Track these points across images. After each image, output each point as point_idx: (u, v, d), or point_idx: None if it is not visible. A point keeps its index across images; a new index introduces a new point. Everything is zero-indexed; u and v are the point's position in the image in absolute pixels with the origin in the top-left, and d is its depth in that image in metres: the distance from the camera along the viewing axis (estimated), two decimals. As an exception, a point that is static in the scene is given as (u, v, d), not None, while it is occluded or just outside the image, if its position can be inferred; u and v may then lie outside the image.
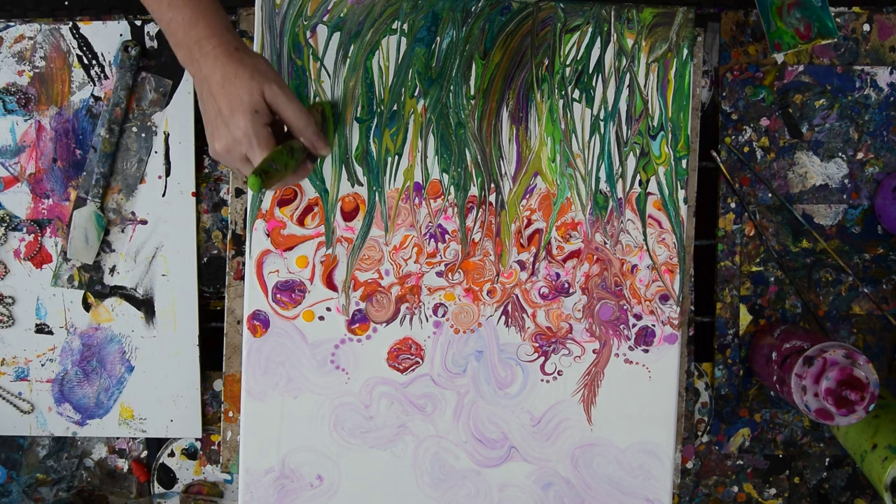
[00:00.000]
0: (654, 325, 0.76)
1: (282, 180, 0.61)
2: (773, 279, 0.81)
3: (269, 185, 0.58)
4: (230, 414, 0.80)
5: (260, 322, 0.75)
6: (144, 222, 0.80)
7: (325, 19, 0.74)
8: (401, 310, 0.76)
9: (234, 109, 0.59)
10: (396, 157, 0.75)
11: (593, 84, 0.75)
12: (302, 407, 0.75)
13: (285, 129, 0.64)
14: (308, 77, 0.74)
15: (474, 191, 0.75)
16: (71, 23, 0.79)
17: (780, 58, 0.80)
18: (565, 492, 0.77)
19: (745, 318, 0.81)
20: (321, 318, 0.75)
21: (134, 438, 0.83)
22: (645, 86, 0.75)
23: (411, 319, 0.76)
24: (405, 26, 0.74)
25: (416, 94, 0.75)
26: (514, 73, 0.75)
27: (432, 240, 0.75)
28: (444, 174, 0.75)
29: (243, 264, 0.78)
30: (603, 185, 0.76)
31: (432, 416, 0.76)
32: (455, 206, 0.75)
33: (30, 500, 0.83)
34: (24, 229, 0.80)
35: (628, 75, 0.75)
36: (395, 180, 0.75)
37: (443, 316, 0.76)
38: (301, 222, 0.75)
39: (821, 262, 0.81)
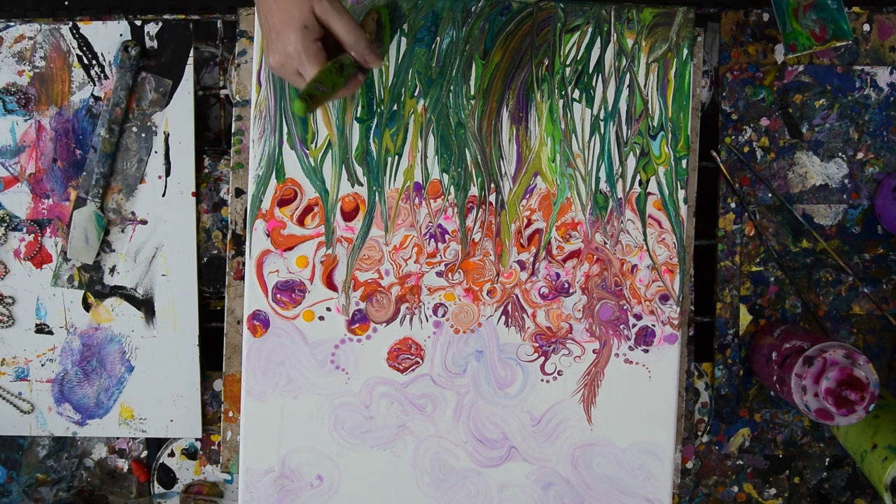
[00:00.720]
0: (654, 325, 0.76)
1: (330, 99, 0.62)
2: (773, 279, 0.81)
3: (315, 107, 0.59)
4: (230, 414, 0.80)
5: (260, 322, 0.75)
6: (144, 222, 0.80)
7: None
8: (401, 310, 0.76)
9: (286, 24, 0.60)
10: (396, 157, 0.75)
11: (593, 84, 0.75)
12: (302, 407, 0.75)
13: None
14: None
15: (474, 191, 0.75)
16: (71, 23, 0.79)
17: (780, 57, 0.80)
18: (565, 492, 0.77)
19: (745, 318, 0.81)
20: (321, 318, 0.75)
21: (134, 438, 0.83)
22: (645, 86, 0.75)
23: (411, 319, 0.76)
24: (405, 26, 0.74)
25: (416, 94, 0.75)
26: (514, 73, 0.75)
27: (432, 240, 0.75)
28: (444, 174, 0.75)
29: (243, 264, 0.78)
30: (603, 185, 0.76)
31: (432, 416, 0.76)
32: (455, 206, 0.75)
33: (30, 500, 0.83)
34: (24, 229, 0.80)
35: (628, 75, 0.75)
36: (395, 180, 0.75)
37: (443, 316, 0.76)
38: (301, 222, 0.75)
39: (821, 262, 0.81)
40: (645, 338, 0.76)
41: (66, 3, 0.86)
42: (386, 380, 0.76)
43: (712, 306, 0.82)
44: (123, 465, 0.83)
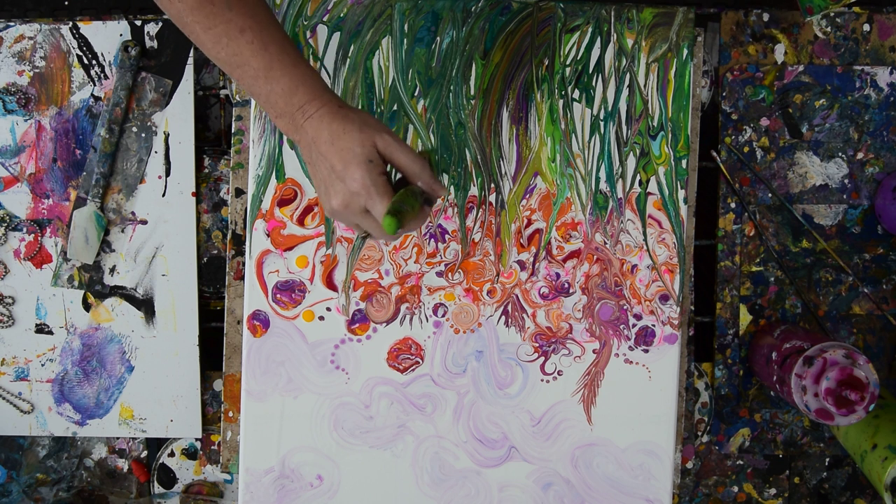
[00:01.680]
0: (654, 325, 0.76)
1: (411, 225, 0.59)
2: (773, 279, 0.81)
3: (403, 224, 0.56)
4: (230, 414, 0.80)
5: (260, 322, 0.75)
6: (144, 222, 0.80)
7: (325, 19, 0.74)
8: (401, 310, 0.76)
9: (348, 163, 0.58)
10: (396, 157, 0.75)
11: (593, 84, 0.75)
12: (302, 407, 0.76)
13: (394, 178, 0.63)
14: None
15: (474, 191, 0.75)
16: (71, 23, 0.79)
17: (780, 57, 0.80)
18: (565, 492, 0.77)
19: (745, 318, 0.81)
20: (321, 318, 0.75)
21: (134, 438, 0.83)
22: (645, 86, 0.75)
23: (411, 319, 0.76)
24: (405, 26, 0.74)
25: (416, 94, 0.75)
26: (514, 73, 0.75)
27: (432, 240, 0.75)
28: (443, 174, 0.75)
29: (243, 264, 0.78)
30: (603, 185, 0.76)
31: (432, 416, 0.76)
32: (455, 206, 0.75)
33: (30, 500, 0.83)
34: (24, 229, 0.80)
35: (628, 75, 0.75)
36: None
37: (443, 316, 0.76)
38: (301, 222, 0.75)
39: (821, 262, 0.81)
40: (645, 338, 0.76)
41: (66, 3, 0.86)
42: (386, 380, 0.76)
43: (712, 306, 0.82)
44: (123, 465, 0.83)
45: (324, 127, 0.58)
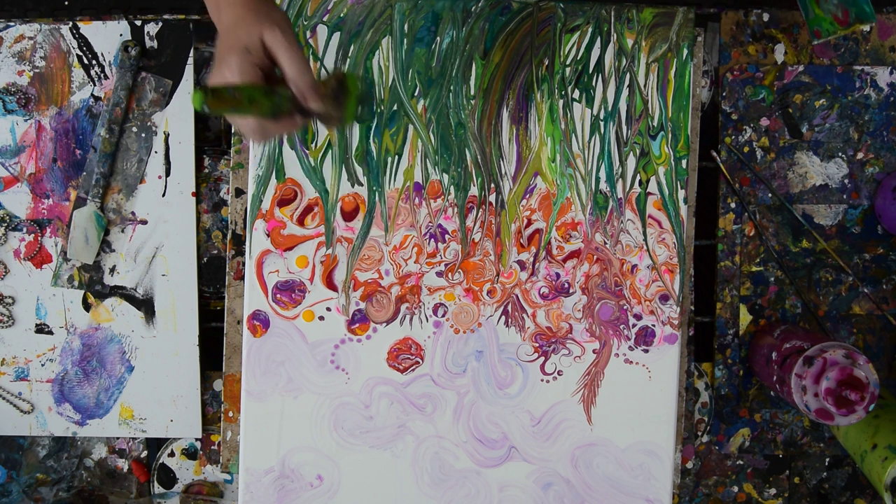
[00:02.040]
0: (654, 325, 0.76)
1: (241, 113, 0.55)
2: (773, 279, 0.81)
3: (216, 107, 0.52)
4: (230, 414, 0.80)
5: (260, 322, 0.75)
6: (144, 222, 0.80)
7: (325, 19, 0.74)
8: (401, 310, 0.76)
9: (230, 49, 0.57)
10: (396, 157, 0.75)
11: (593, 84, 0.75)
12: (302, 407, 0.76)
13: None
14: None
15: (474, 191, 0.75)
16: (71, 23, 0.79)
17: (780, 57, 0.80)
18: (565, 492, 0.77)
19: (745, 318, 0.81)
20: (321, 318, 0.75)
21: (134, 438, 0.83)
22: (645, 86, 0.75)
23: (411, 319, 0.76)
24: (405, 26, 0.74)
25: (416, 94, 0.75)
26: (514, 73, 0.75)
27: (432, 240, 0.75)
28: (444, 174, 0.75)
29: (243, 264, 0.78)
30: (603, 185, 0.76)
31: (432, 416, 0.76)
32: (455, 206, 0.75)
33: (30, 500, 0.83)
34: (24, 229, 0.80)
35: (628, 75, 0.75)
36: (395, 180, 0.75)
37: (443, 316, 0.76)
38: (301, 222, 0.75)
39: (821, 262, 0.81)
40: (645, 338, 0.76)
41: (66, 3, 0.86)
42: (386, 380, 0.76)
43: (712, 306, 0.82)
44: (123, 465, 0.83)
45: (233, 12, 0.58)
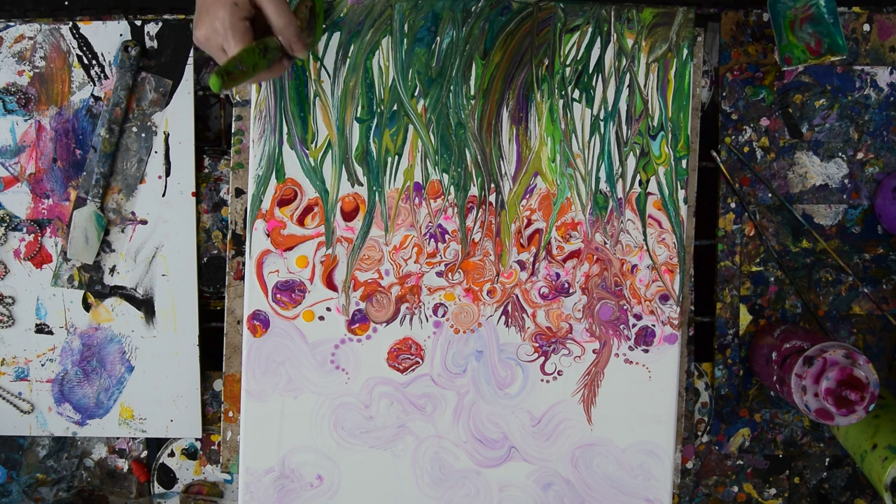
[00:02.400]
0: (654, 325, 0.76)
1: (249, 79, 0.61)
2: (773, 279, 0.81)
3: (231, 85, 0.58)
4: (230, 414, 0.80)
5: (260, 322, 0.75)
6: (144, 222, 0.80)
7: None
8: (401, 310, 0.76)
9: (216, 1, 0.59)
10: (396, 157, 0.75)
11: (593, 84, 0.75)
12: (302, 407, 0.75)
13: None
14: (308, 77, 0.74)
15: (474, 191, 0.75)
16: (71, 23, 0.79)
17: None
18: (565, 492, 0.77)
19: (745, 318, 0.81)
20: (321, 318, 0.75)
21: (134, 438, 0.83)
22: (645, 86, 0.75)
23: (411, 319, 0.76)
24: (405, 26, 0.74)
25: (416, 94, 0.75)
26: (514, 73, 0.75)
27: (432, 240, 0.75)
28: (444, 174, 0.75)
29: (243, 264, 0.78)
30: (603, 185, 0.76)
31: (432, 416, 0.76)
32: (455, 206, 0.75)
33: (30, 500, 0.83)
34: (24, 229, 0.80)
35: (628, 75, 0.75)
36: (395, 180, 0.75)
37: (443, 316, 0.76)
38: (301, 222, 0.75)
39: (821, 262, 0.81)
40: (645, 338, 0.76)
41: (66, 3, 0.86)
42: (386, 380, 0.76)
43: (712, 306, 0.82)
44: (123, 465, 0.83)
45: None
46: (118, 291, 0.80)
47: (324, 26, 0.71)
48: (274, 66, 0.63)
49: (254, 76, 0.61)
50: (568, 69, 0.75)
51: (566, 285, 0.76)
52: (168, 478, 0.83)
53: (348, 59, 0.74)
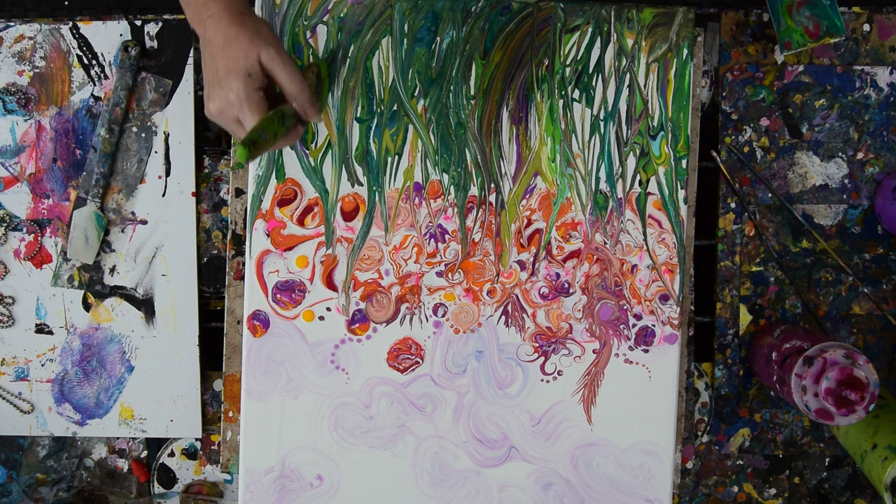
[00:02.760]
0: (654, 325, 0.76)
1: (270, 148, 0.62)
2: (773, 279, 0.81)
3: (257, 154, 0.59)
4: (230, 414, 0.80)
5: (260, 322, 0.75)
6: (144, 222, 0.80)
7: (325, 19, 0.74)
8: (401, 310, 0.76)
9: (230, 72, 0.60)
10: (396, 157, 0.75)
11: (593, 84, 0.75)
12: (302, 407, 0.75)
13: (279, 91, 0.64)
14: (308, 77, 0.74)
15: (474, 191, 0.75)
16: (71, 23, 0.79)
17: (780, 57, 0.80)
18: (565, 492, 0.77)
19: (745, 318, 0.81)
20: (321, 318, 0.75)
21: (134, 438, 0.83)
22: (645, 86, 0.75)
23: (411, 319, 0.76)
24: (405, 26, 0.74)
25: (416, 94, 0.75)
26: (514, 73, 0.75)
27: (432, 240, 0.75)
28: (444, 174, 0.75)
29: (243, 264, 0.78)
30: (603, 185, 0.76)
31: (432, 416, 0.76)
32: (455, 206, 0.75)
33: (30, 500, 0.83)
34: (24, 229, 0.80)
35: (628, 75, 0.75)
36: (395, 180, 0.75)
37: (443, 316, 0.76)
38: (301, 222, 0.75)
39: (821, 262, 0.81)
40: (645, 338, 0.76)
41: (66, 3, 0.86)
42: (386, 380, 0.76)
43: (712, 306, 0.82)
44: (123, 465, 0.83)
45: (221, 29, 0.60)
46: (118, 291, 0.80)
47: (329, 87, 0.73)
48: (290, 133, 0.63)
49: (274, 144, 0.62)
50: (568, 69, 0.75)
51: (566, 285, 0.76)
52: (168, 478, 0.83)
53: (348, 59, 0.74)
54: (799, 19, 0.73)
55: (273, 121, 0.60)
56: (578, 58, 0.75)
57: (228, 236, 0.79)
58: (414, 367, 0.76)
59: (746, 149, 0.80)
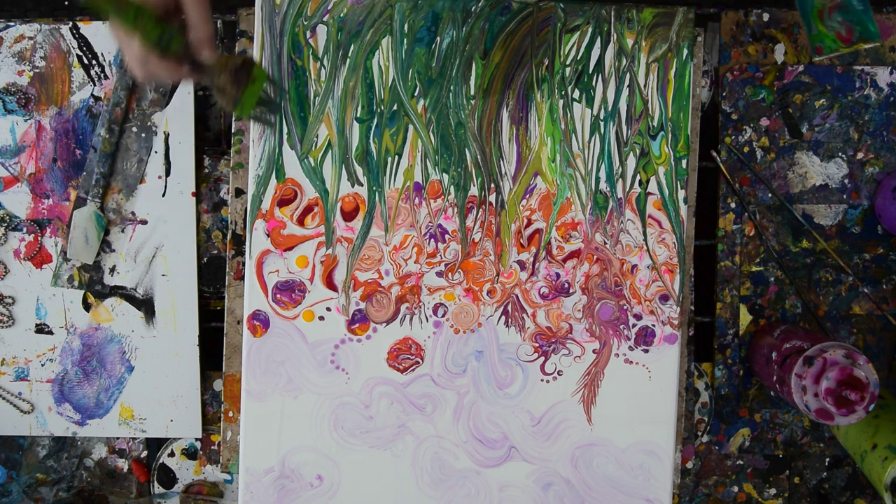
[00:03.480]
0: (654, 325, 0.76)
1: (124, 25, 0.53)
2: (773, 279, 0.81)
3: (105, 4, 0.51)
4: (230, 414, 0.80)
5: (260, 322, 0.75)
6: (144, 222, 0.80)
7: (325, 19, 0.74)
8: (401, 310, 0.76)
9: None
10: (396, 157, 0.75)
11: (593, 84, 0.75)
12: (302, 407, 0.75)
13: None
14: (308, 77, 0.74)
15: (474, 191, 0.75)
16: (71, 23, 0.79)
17: (780, 57, 0.80)
18: (565, 492, 0.77)
19: (745, 318, 0.81)
20: (321, 318, 0.75)
21: (134, 438, 0.83)
22: (645, 86, 0.75)
23: (411, 319, 0.76)
24: (405, 26, 0.74)
25: (416, 94, 0.75)
26: (514, 73, 0.75)
27: (432, 240, 0.75)
28: (444, 174, 0.75)
29: (243, 264, 0.78)
30: (603, 185, 0.76)
31: (432, 416, 0.76)
32: (455, 206, 0.75)
33: (30, 500, 0.83)
34: (24, 229, 0.80)
35: (628, 75, 0.75)
36: (395, 180, 0.75)
37: (443, 316, 0.76)
38: (301, 222, 0.75)
39: (821, 262, 0.81)
40: (645, 338, 0.76)
41: (66, 3, 0.86)
42: (386, 380, 0.76)
43: (712, 306, 0.82)
44: (123, 465, 0.83)
45: None
46: (118, 291, 0.80)
47: (257, 109, 0.63)
48: (170, 59, 0.55)
49: (133, 25, 0.52)
50: (568, 69, 0.75)
51: (566, 285, 0.76)
52: (168, 478, 0.83)
53: (348, 59, 0.74)
54: (831, 24, 0.72)
55: (147, 10, 0.52)
56: (578, 58, 0.75)
57: (228, 236, 0.79)
58: (414, 367, 0.76)
59: (746, 149, 0.80)
